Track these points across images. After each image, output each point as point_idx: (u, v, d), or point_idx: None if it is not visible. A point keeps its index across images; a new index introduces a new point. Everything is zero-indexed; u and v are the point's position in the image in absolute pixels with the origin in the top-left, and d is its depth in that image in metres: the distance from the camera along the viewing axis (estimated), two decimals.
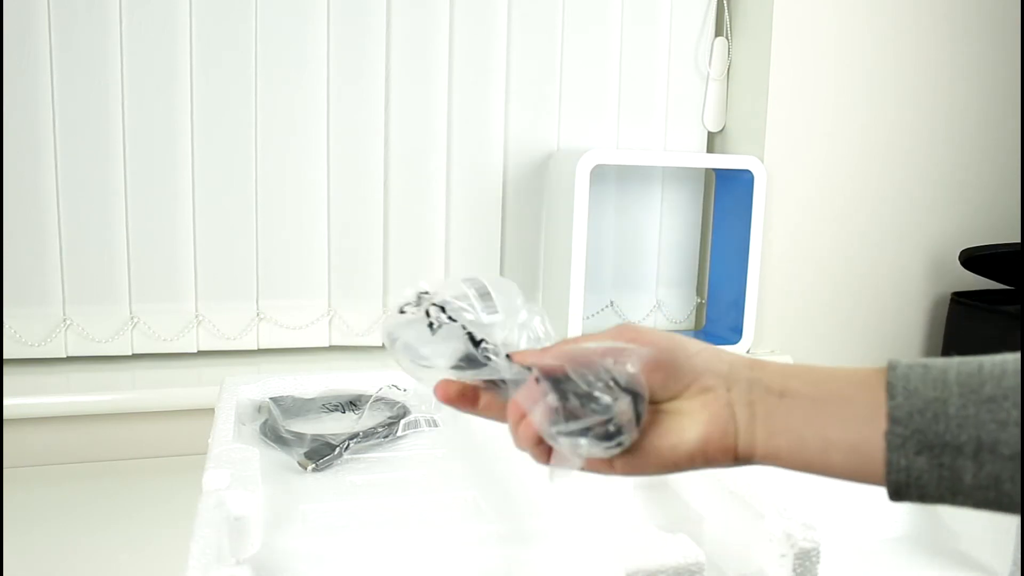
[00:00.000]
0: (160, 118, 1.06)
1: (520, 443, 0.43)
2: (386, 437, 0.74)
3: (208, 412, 0.79)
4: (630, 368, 0.41)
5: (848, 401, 0.38)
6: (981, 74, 1.32)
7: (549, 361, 0.42)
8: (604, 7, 1.23)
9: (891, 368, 0.37)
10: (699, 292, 1.35)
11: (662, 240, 1.32)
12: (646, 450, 0.42)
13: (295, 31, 1.09)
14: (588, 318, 1.29)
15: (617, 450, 0.41)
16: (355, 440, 0.71)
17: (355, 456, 0.71)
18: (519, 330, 0.46)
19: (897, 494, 0.37)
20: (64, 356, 1.07)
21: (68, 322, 1.06)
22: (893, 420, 0.36)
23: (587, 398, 0.41)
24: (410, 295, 0.48)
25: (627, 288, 1.31)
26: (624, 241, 1.30)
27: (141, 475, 0.97)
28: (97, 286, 1.07)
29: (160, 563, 0.75)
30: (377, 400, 0.81)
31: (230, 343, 1.13)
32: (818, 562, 0.51)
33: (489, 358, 0.44)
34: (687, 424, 0.41)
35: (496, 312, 0.46)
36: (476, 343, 0.45)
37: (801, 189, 1.26)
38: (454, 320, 0.45)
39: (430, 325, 0.45)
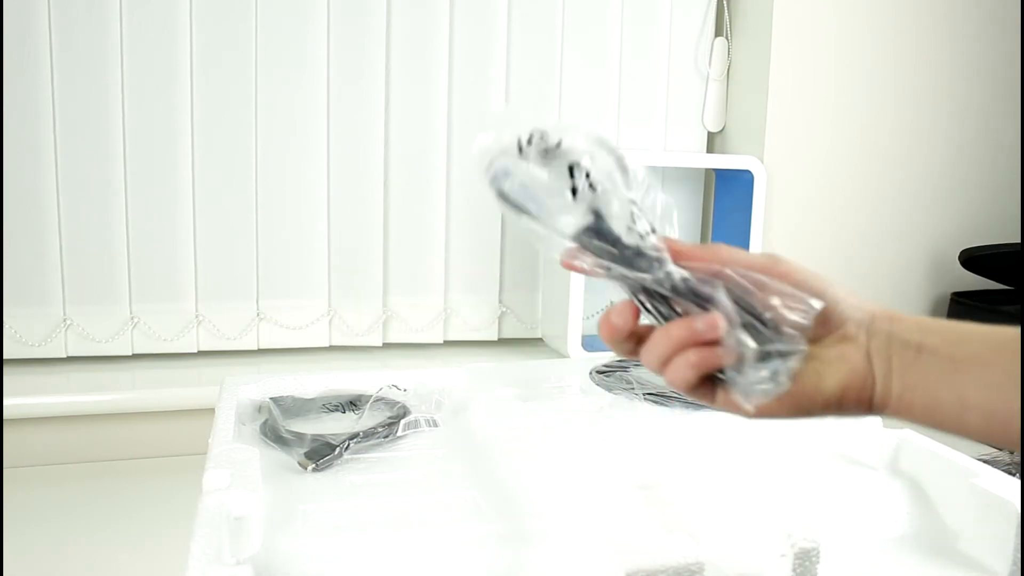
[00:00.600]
0: (160, 118, 1.06)
1: (685, 374, 0.40)
2: (386, 437, 0.74)
3: (208, 412, 0.79)
4: (801, 320, 0.38)
5: (987, 364, 0.37)
6: (981, 74, 1.32)
7: (728, 275, 0.39)
8: (604, 7, 1.23)
9: None
10: None
11: None
12: (785, 394, 0.40)
13: (295, 31, 1.09)
14: (588, 318, 1.29)
15: (781, 391, 0.39)
16: (355, 440, 0.71)
17: (355, 456, 0.71)
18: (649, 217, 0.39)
19: None
20: (64, 356, 1.07)
21: (68, 322, 1.06)
22: None
23: (774, 332, 0.38)
24: (522, 134, 0.40)
25: None
26: None
27: (141, 475, 0.97)
28: (97, 286, 1.07)
29: (160, 563, 0.75)
30: (377, 400, 0.81)
31: (230, 343, 1.13)
32: (818, 562, 0.51)
33: (656, 258, 0.38)
34: (828, 372, 0.40)
35: (636, 191, 0.40)
36: (634, 232, 0.38)
37: (801, 189, 1.26)
38: (598, 190, 0.38)
39: (573, 190, 0.39)
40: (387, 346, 1.21)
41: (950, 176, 1.34)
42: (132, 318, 1.09)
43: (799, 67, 1.23)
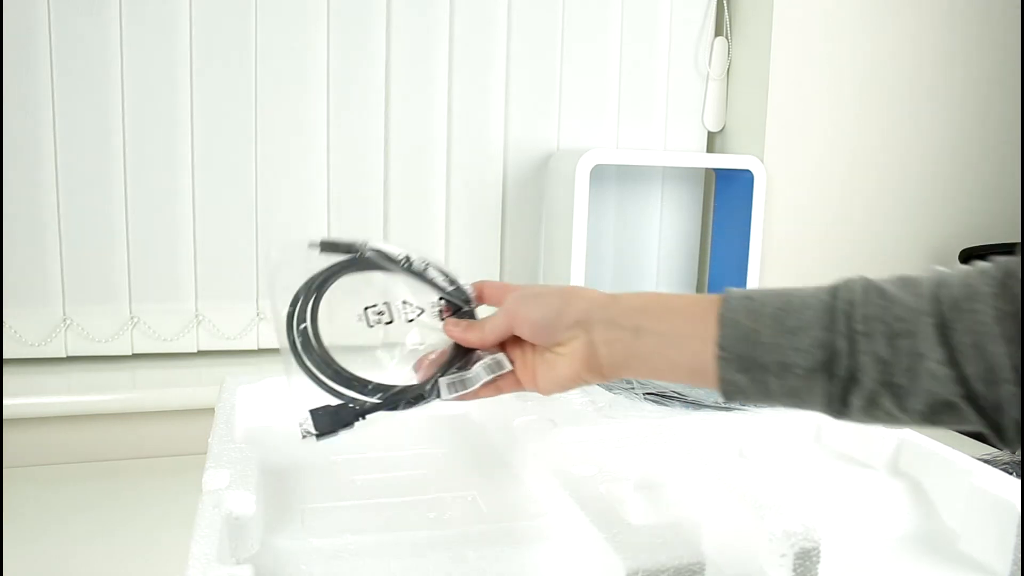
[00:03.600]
0: (160, 118, 1.06)
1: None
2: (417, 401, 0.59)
3: (208, 412, 0.79)
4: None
5: (687, 336, 0.48)
6: (981, 73, 1.32)
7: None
8: (604, 8, 1.23)
9: (724, 300, 0.47)
10: (699, 291, 1.35)
11: (662, 240, 1.32)
12: (538, 379, 0.57)
13: (295, 31, 1.09)
14: None
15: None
16: (386, 400, 0.58)
17: (357, 455, 0.71)
18: None
19: (726, 397, 0.47)
20: (64, 356, 1.07)
21: (68, 322, 1.06)
22: (721, 347, 0.46)
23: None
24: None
25: (627, 288, 1.31)
26: (624, 241, 1.30)
27: (141, 475, 0.97)
28: (97, 286, 1.07)
29: (160, 563, 0.75)
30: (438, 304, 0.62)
31: (230, 343, 1.13)
32: (818, 562, 0.51)
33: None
34: (562, 363, 0.55)
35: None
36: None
37: (801, 189, 1.26)
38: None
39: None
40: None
41: (950, 176, 1.34)
42: (132, 318, 1.09)
43: (799, 67, 1.23)
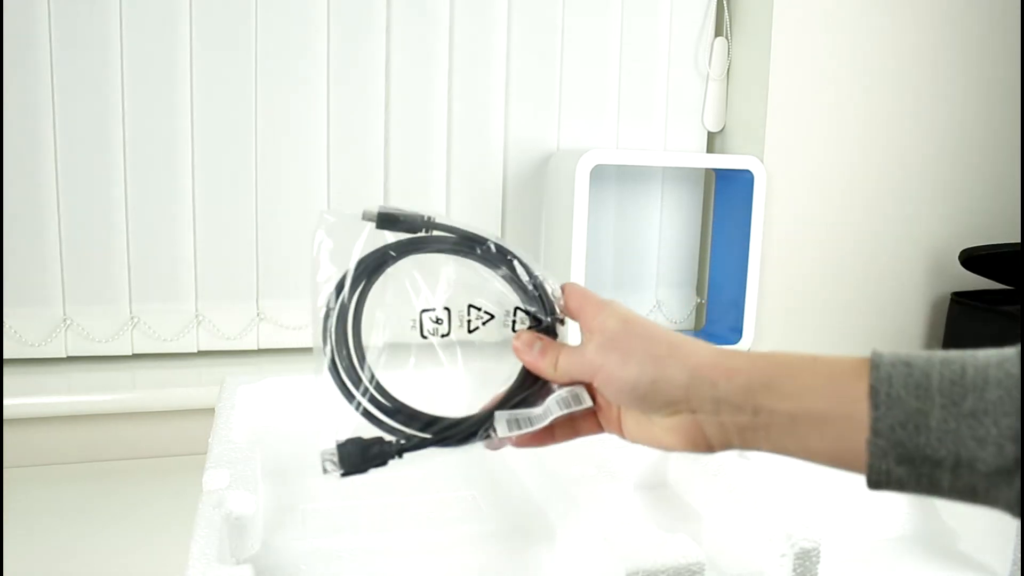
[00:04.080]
0: (160, 118, 1.06)
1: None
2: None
3: (208, 412, 0.79)
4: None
5: (827, 418, 0.38)
6: (981, 74, 1.32)
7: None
8: (604, 7, 1.23)
9: (874, 367, 0.37)
10: (699, 292, 1.35)
11: (662, 240, 1.32)
12: (626, 429, 0.46)
13: (295, 31, 1.09)
14: None
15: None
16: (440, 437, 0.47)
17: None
18: None
19: (876, 487, 0.37)
20: (64, 356, 1.07)
21: (68, 322, 1.06)
22: (875, 432, 0.36)
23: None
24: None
25: (627, 288, 1.31)
26: (624, 241, 1.30)
27: (141, 475, 0.97)
28: (97, 286, 1.07)
29: (160, 563, 0.75)
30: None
31: (230, 343, 1.13)
32: (818, 562, 0.51)
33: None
34: (658, 432, 0.44)
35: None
36: None
37: (801, 189, 1.26)
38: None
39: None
40: None
41: (950, 176, 1.34)
42: (132, 318, 1.09)
43: (799, 67, 1.23)
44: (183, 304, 1.10)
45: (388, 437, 0.46)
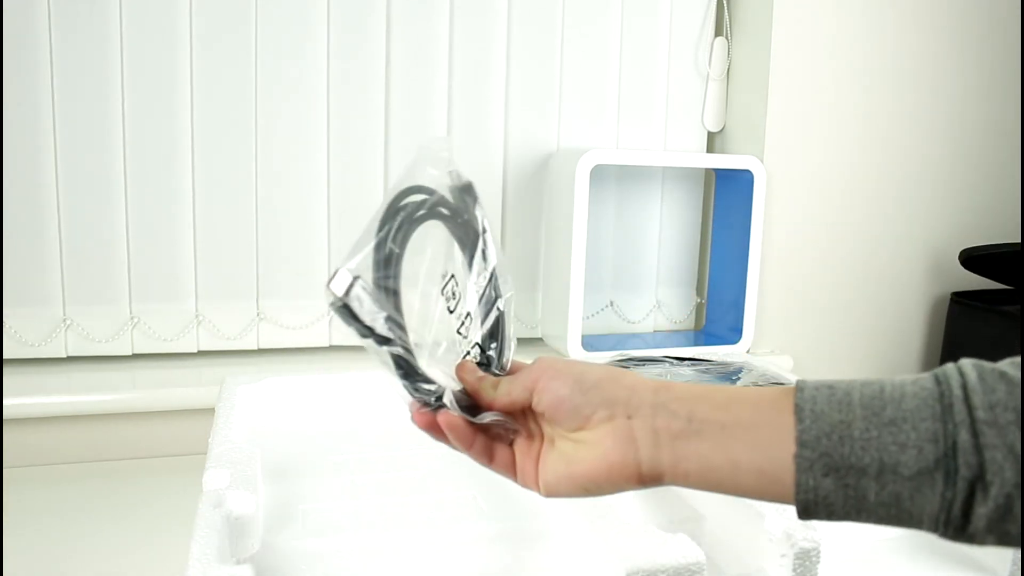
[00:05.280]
0: (160, 118, 1.06)
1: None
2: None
3: (208, 412, 0.79)
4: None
5: (755, 426, 0.39)
6: (981, 74, 1.32)
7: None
8: (604, 7, 1.23)
9: (799, 390, 0.38)
10: (699, 292, 1.35)
11: (662, 240, 1.32)
12: (543, 472, 0.46)
13: (295, 31, 1.09)
14: (588, 318, 1.29)
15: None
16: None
17: (357, 455, 0.71)
18: None
19: (806, 512, 0.37)
20: (64, 356, 1.07)
21: (68, 322, 1.06)
22: (801, 443, 0.37)
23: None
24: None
25: (627, 288, 1.31)
26: (624, 241, 1.30)
27: (141, 475, 0.97)
28: (97, 286, 1.07)
29: (160, 563, 0.75)
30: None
31: (230, 343, 1.13)
32: (818, 562, 0.51)
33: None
34: (584, 455, 0.43)
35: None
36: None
37: (801, 189, 1.26)
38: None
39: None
40: None
41: (950, 176, 1.34)
42: (132, 318, 1.09)
43: (799, 67, 1.23)
44: (183, 304, 1.10)
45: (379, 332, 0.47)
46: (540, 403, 0.45)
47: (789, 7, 1.21)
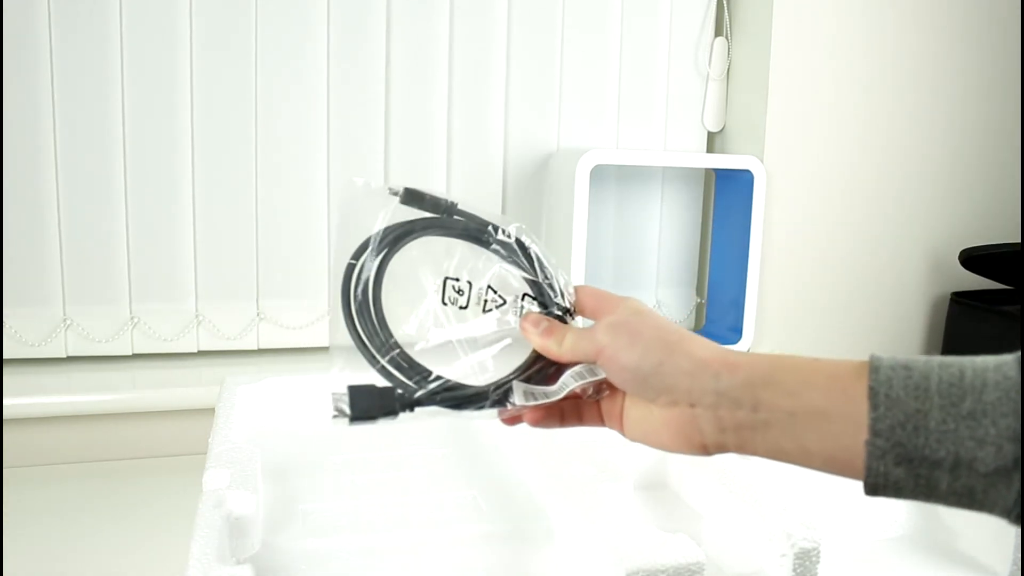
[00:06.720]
0: (160, 118, 1.06)
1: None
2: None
3: (208, 412, 0.79)
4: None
5: (827, 416, 0.38)
6: (981, 74, 1.32)
7: None
8: (604, 7, 1.23)
9: (873, 370, 0.37)
10: (699, 292, 1.35)
11: (662, 240, 1.32)
12: (626, 425, 0.46)
13: (295, 31, 1.09)
14: None
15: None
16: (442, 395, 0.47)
17: (357, 455, 0.71)
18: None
19: (873, 492, 0.37)
20: (64, 356, 1.07)
21: (68, 322, 1.06)
22: (875, 432, 0.36)
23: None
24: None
25: (627, 288, 1.31)
26: (624, 241, 1.30)
27: (141, 475, 0.97)
28: (97, 286, 1.07)
29: (160, 563, 0.75)
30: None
31: (230, 343, 1.13)
32: (818, 562, 0.51)
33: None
34: (658, 425, 0.44)
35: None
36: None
37: (801, 189, 1.26)
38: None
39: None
40: None
41: (950, 176, 1.34)
42: (132, 318, 1.09)
43: (799, 67, 1.23)
44: (183, 304, 1.10)
45: (400, 391, 0.45)
46: (607, 373, 0.45)
47: (789, 7, 1.21)
